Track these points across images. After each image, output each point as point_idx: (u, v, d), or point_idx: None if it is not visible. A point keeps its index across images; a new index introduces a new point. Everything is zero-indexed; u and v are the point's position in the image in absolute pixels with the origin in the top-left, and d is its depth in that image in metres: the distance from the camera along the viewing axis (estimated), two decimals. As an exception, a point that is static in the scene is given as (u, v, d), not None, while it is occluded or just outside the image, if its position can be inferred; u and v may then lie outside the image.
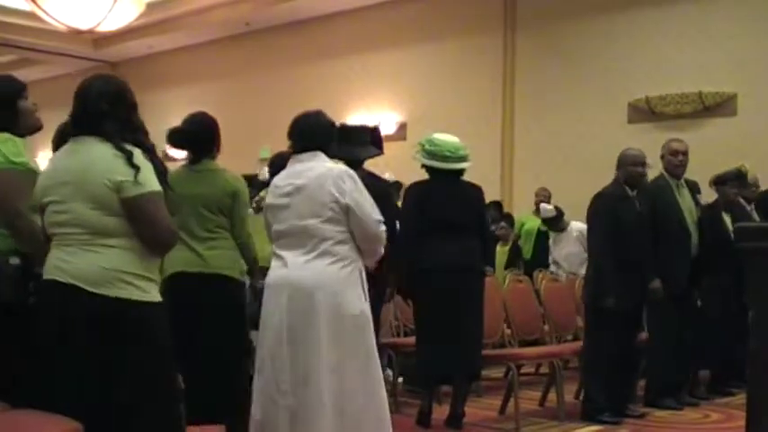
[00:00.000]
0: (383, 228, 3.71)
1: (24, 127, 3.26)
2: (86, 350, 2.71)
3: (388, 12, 12.06)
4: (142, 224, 2.79)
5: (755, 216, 6.68)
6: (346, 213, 3.60)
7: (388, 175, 7.84)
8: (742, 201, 6.77)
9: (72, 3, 10.22)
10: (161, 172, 2.87)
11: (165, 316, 2.88)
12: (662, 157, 6.04)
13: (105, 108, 2.84)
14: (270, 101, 12.98)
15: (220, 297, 4.17)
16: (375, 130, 5.26)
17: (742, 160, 6.78)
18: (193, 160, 4.31)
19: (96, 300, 2.71)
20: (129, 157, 2.77)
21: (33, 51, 14.61)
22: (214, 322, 4.12)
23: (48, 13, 10.30)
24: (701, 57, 9.41)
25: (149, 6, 11.56)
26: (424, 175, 5.34)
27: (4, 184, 3.03)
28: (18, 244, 3.06)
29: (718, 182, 6.51)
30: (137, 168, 2.76)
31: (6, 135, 3.12)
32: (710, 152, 7.90)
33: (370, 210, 3.65)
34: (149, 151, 2.88)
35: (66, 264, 2.77)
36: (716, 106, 9.33)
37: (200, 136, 4.30)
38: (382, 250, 3.78)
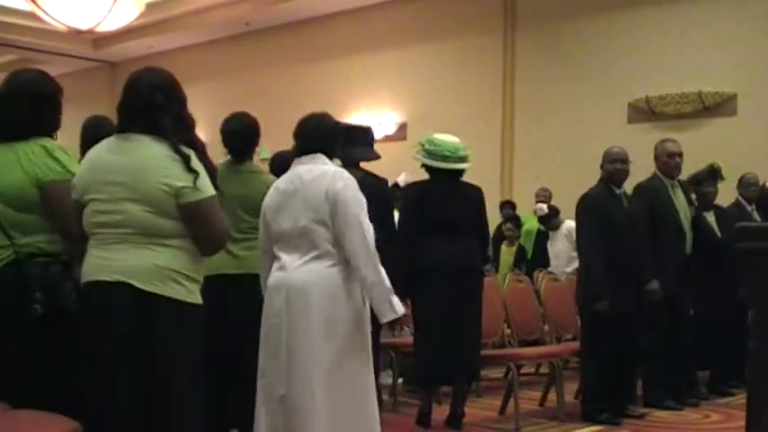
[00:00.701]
0: (366, 235, 3.54)
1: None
2: (128, 349, 2.67)
3: (388, 12, 12.06)
4: (200, 227, 2.76)
5: (756, 216, 6.67)
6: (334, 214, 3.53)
7: (403, 176, 7.82)
8: (742, 200, 6.77)
9: (72, 3, 10.21)
10: (211, 173, 2.81)
11: (203, 320, 2.84)
12: (656, 158, 6.03)
13: (161, 101, 2.76)
14: (270, 101, 12.96)
15: (256, 296, 4.13)
16: (369, 132, 5.24)
17: (742, 160, 6.77)
18: (236, 161, 4.33)
19: (143, 297, 2.67)
20: (186, 161, 2.70)
21: (33, 51, 14.60)
22: (248, 322, 4.08)
23: (47, 13, 10.29)
24: (701, 57, 9.41)
25: (149, 6, 11.56)
26: (425, 176, 5.34)
27: (68, 194, 2.90)
28: (71, 250, 2.97)
29: (694, 182, 6.49)
30: (195, 173, 2.70)
31: (51, 142, 3.01)
32: (710, 152, 7.89)
33: (357, 214, 3.53)
34: (200, 151, 2.80)
35: (113, 261, 2.70)
36: (716, 106, 9.33)
37: (245, 137, 4.33)
38: (368, 255, 3.54)
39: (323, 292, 3.51)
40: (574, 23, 10.46)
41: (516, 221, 9.44)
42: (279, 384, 3.53)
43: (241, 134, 4.33)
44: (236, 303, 4.10)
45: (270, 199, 3.74)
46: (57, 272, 2.91)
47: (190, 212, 2.72)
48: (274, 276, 3.64)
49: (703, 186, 6.44)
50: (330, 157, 3.73)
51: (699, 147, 7.72)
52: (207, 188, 2.74)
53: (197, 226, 2.75)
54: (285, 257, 3.61)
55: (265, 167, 5.32)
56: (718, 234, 6.29)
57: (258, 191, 4.16)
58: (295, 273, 3.55)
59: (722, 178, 6.53)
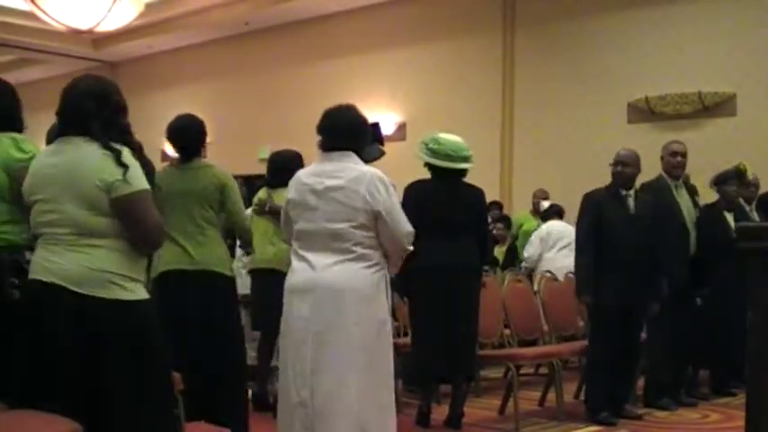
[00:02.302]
0: (411, 239, 3.65)
1: None
2: (70, 350, 2.69)
3: (387, 12, 12.05)
4: (131, 223, 2.79)
5: (755, 216, 6.68)
6: (376, 220, 3.53)
7: None
8: (741, 201, 6.77)
9: (71, 3, 10.20)
10: (148, 171, 2.89)
11: (155, 314, 2.87)
12: (662, 158, 6.07)
13: (91, 107, 2.84)
14: (270, 101, 12.97)
15: (210, 293, 4.22)
16: (376, 127, 5.22)
17: (742, 160, 6.77)
18: (184, 159, 4.40)
19: (80, 299, 2.71)
20: (117, 156, 2.77)
21: (33, 51, 14.61)
22: (205, 319, 4.15)
23: (47, 13, 10.28)
24: (700, 57, 9.41)
25: (149, 6, 11.55)
26: (424, 176, 5.33)
27: None
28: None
29: (719, 181, 6.50)
30: (125, 167, 2.76)
31: (20, 135, 3.17)
32: (710, 152, 7.90)
33: (401, 219, 3.60)
34: (137, 150, 2.89)
35: (52, 264, 2.76)
36: (715, 106, 9.33)
37: (193, 134, 4.42)
38: (400, 257, 3.70)
39: (358, 294, 3.49)
40: (574, 23, 10.46)
41: (506, 222, 9.47)
42: (301, 387, 3.47)
43: (189, 129, 4.42)
44: (193, 300, 4.18)
45: (293, 194, 3.65)
46: (10, 260, 3.01)
47: (121, 207, 2.76)
48: (300, 276, 3.56)
49: (726, 185, 6.45)
50: (360, 155, 3.66)
51: (699, 147, 7.71)
52: (137, 182, 2.79)
53: (129, 221, 2.78)
54: (313, 257, 3.54)
55: (264, 167, 5.32)
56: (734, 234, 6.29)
57: (206, 183, 4.30)
58: (325, 273, 3.49)
59: (746, 180, 6.55)
